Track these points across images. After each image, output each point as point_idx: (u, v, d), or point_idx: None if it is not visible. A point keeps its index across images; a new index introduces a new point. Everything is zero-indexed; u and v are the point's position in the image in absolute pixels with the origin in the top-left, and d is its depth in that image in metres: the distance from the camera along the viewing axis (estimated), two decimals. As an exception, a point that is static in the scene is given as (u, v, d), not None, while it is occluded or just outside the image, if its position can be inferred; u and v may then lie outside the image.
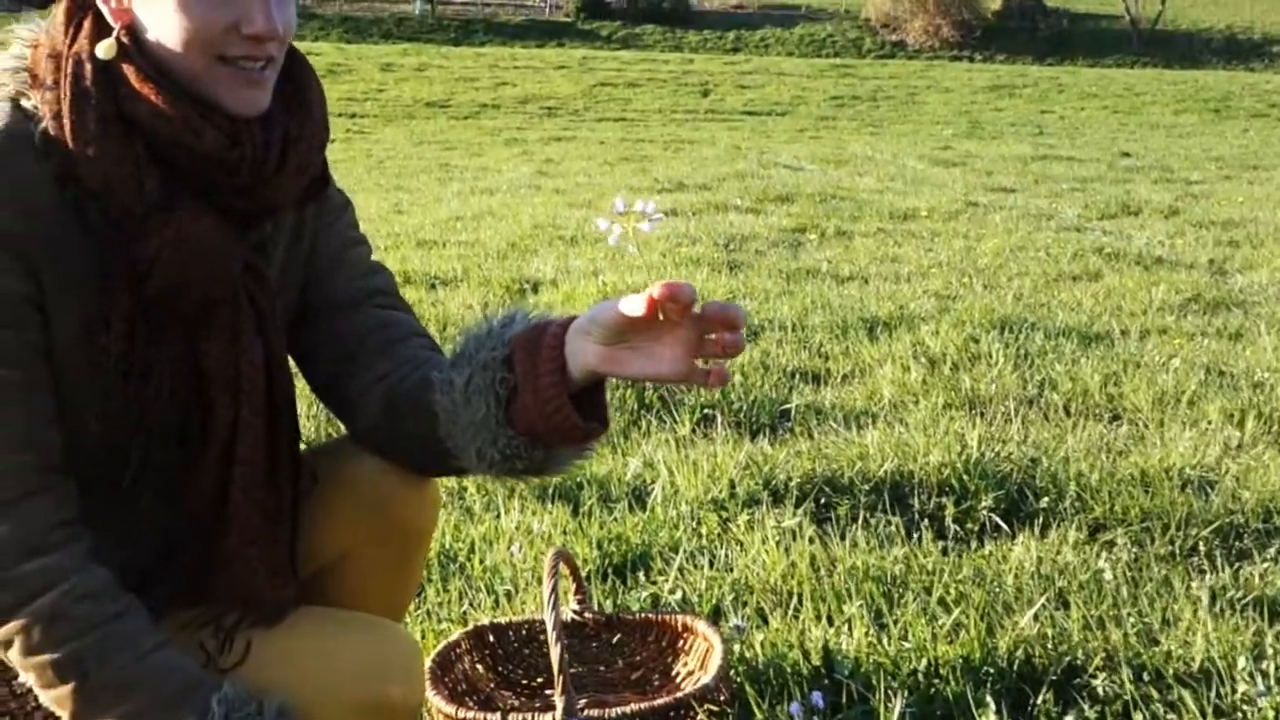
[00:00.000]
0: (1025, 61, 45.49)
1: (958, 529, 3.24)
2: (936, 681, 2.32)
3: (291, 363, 1.92)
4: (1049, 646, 2.46)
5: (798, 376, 5.00)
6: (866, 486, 3.47)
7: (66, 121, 1.62)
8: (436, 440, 1.79)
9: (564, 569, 2.20)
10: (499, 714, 2.11)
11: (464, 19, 51.71)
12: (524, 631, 2.48)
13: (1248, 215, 10.62)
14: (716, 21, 51.96)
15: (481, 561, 3.02)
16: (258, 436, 1.76)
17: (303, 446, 1.93)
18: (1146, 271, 7.70)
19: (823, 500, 3.40)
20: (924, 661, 2.37)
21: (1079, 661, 2.43)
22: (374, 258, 2.02)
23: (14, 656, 1.61)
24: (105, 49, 1.65)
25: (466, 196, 12.85)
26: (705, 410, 4.33)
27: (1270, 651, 2.42)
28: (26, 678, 1.62)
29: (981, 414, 4.39)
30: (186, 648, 1.71)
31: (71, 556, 1.62)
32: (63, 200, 1.62)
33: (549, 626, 1.92)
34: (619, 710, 2.04)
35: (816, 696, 2.09)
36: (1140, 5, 48.45)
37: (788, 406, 4.45)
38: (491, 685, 2.45)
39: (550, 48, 46.34)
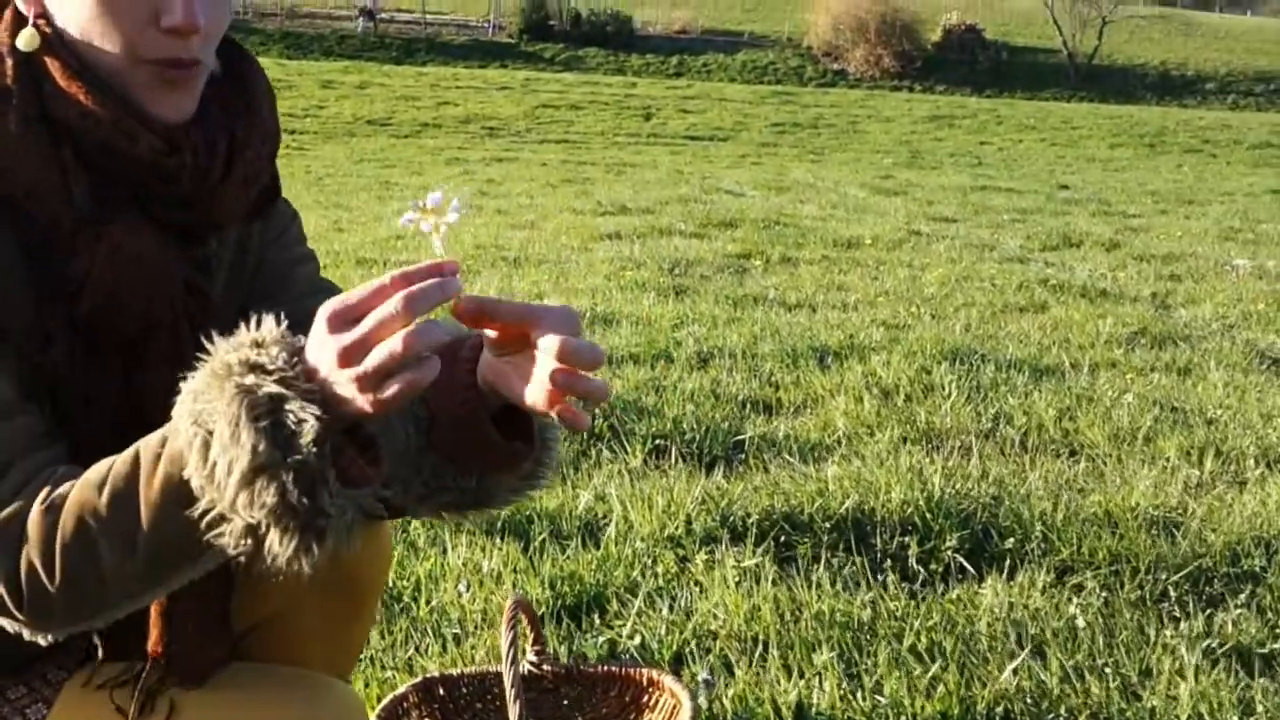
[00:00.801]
0: (964, 93, 45.81)
1: (922, 570, 3.14)
2: (916, 740, 2.20)
3: None
4: (1029, 702, 2.35)
5: (749, 406, 4.89)
6: (828, 524, 3.35)
7: None
8: None
9: (521, 616, 2.05)
10: (450, 773, 1.96)
11: (406, 38, 51.48)
12: (478, 684, 2.31)
13: (1187, 249, 10.65)
14: (660, 46, 52.02)
15: (428, 602, 2.87)
16: None
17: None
18: (1092, 304, 7.67)
19: (783, 539, 3.28)
20: (901, 719, 2.24)
21: (1061, 718, 2.32)
22: (337, 279, 1.84)
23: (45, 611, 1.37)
24: (25, 39, 1.47)
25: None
26: (657, 440, 4.21)
27: (1260, 708, 2.32)
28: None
29: (938, 448, 4.29)
30: (103, 708, 1.54)
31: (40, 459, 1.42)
32: None
33: (508, 684, 1.78)
34: (581, 772, 1.90)
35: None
36: (1077, 40, 48.99)
37: (741, 437, 4.34)
38: (441, 741, 2.30)
39: (493, 68, 46.15)
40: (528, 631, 2.28)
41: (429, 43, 50.97)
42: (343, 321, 1.28)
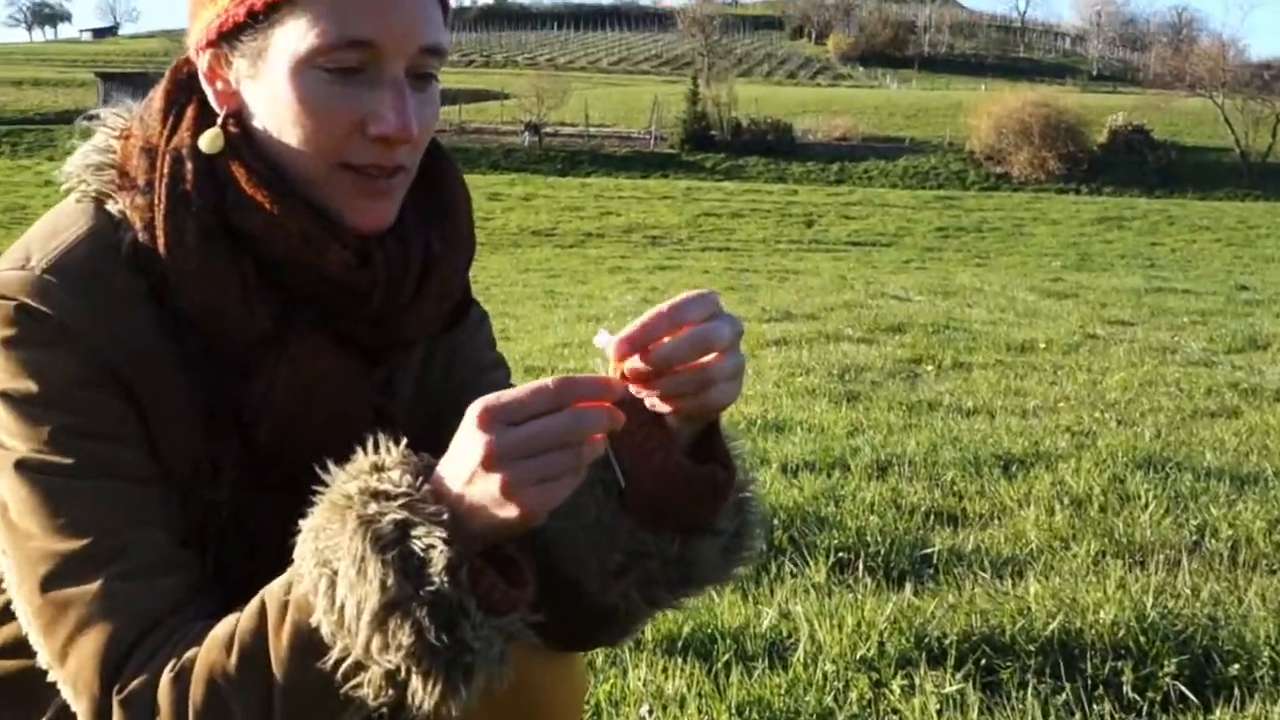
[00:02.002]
0: (1133, 194, 45.10)
1: (1139, 698, 2.89)
2: None
3: None
4: None
5: (933, 517, 4.68)
6: (1032, 647, 3.12)
7: (160, 233, 1.33)
8: (565, 585, 1.43)
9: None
10: None
11: (570, 150, 52.47)
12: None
13: (1383, 352, 10.16)
14: (820, 153, 52.24)
15: (609, 728, 2.72)
16: None
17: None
18: (1288, 409, 7.29)
19: (984, 662, 3.06)
20: None
21: None
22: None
23: None
24: (209, 140, 1.36)
25: (572, 323, 12.69)
26: (840, 553, 4.02)
27: None
28: None
29: (1141, 563, 4.03)
30: None
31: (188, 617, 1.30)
32: (161, 321, 1.34)
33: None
34: None
35: None
36: (1251, 138, 47.96)
37: (928, 550, 4.13)
38: None
39: (655, 178, 46.74)
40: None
41: (592, 154, 51.88)
42: (495, 420, 1.16)
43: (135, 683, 1.24)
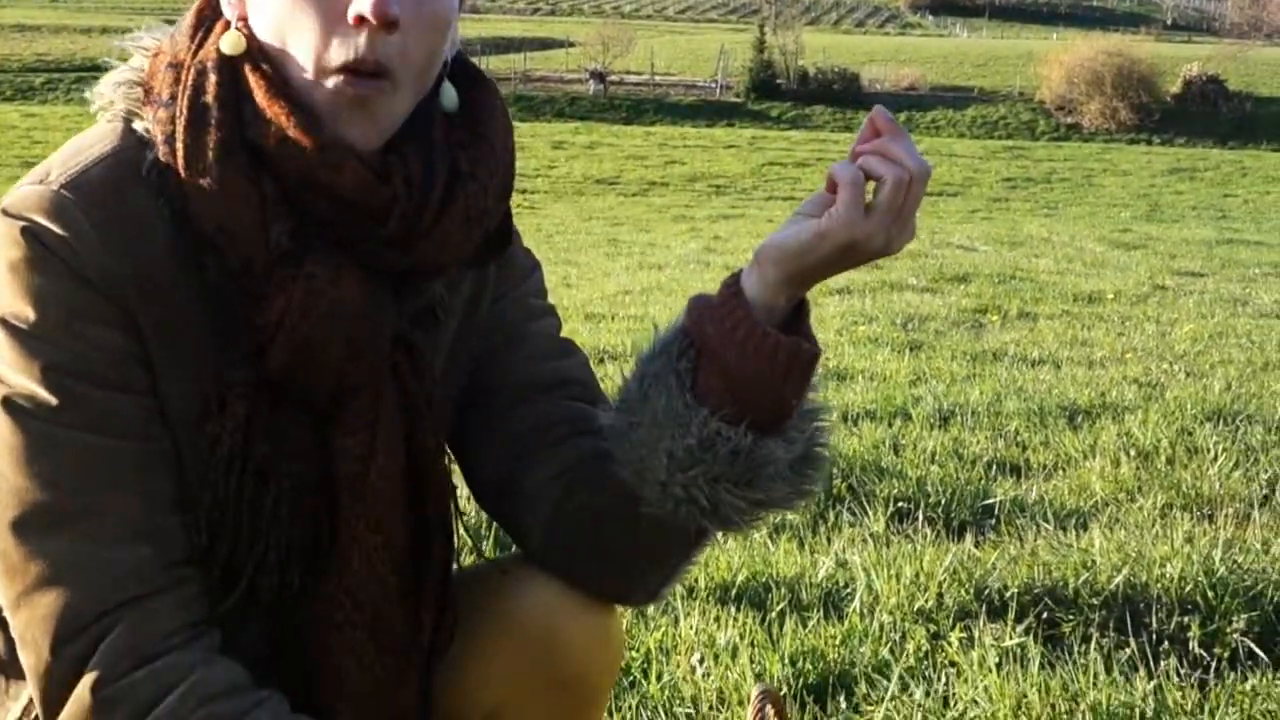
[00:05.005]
0: (1206, 145, 44.34)
1: (1205, 654, 2.80)
2: None
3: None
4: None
5: (995, 467, 4.58)
6: (1095, 600, 3.04)
7: (179, 144, 1.27)
8: (620, 499, 1.40)
9: (769, 709, 1.81)
10: None
11: (636, 99, 52.25)
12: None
13: None
14: (887, 102, 51.51)
15: (659, 678, 2.66)
16: (377, 569, 1.38)
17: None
18: (1364, 363, 7.12)
19: (1045, 615, 2.98)
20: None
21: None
22: (565, 334, 1.62)
23: None
24: (231, 42, 1.30)
25: (634, 271, 12.61)
26: (899, 503, 3.94)
27: None
28: None
29: (1209, 517, 3.93)
30: None
31: (191, 654, 1.27)
32: (178, 246, 1.28)
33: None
34: None
35: None
36: (1328, 88, 47.04)
37: (990, 501, 4.04)
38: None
39: (720, 127, 46.49)
40: (773, 720, 2.05)
41: (657, 103, 51.66)
42: None
43: (98, 674, 1.24)
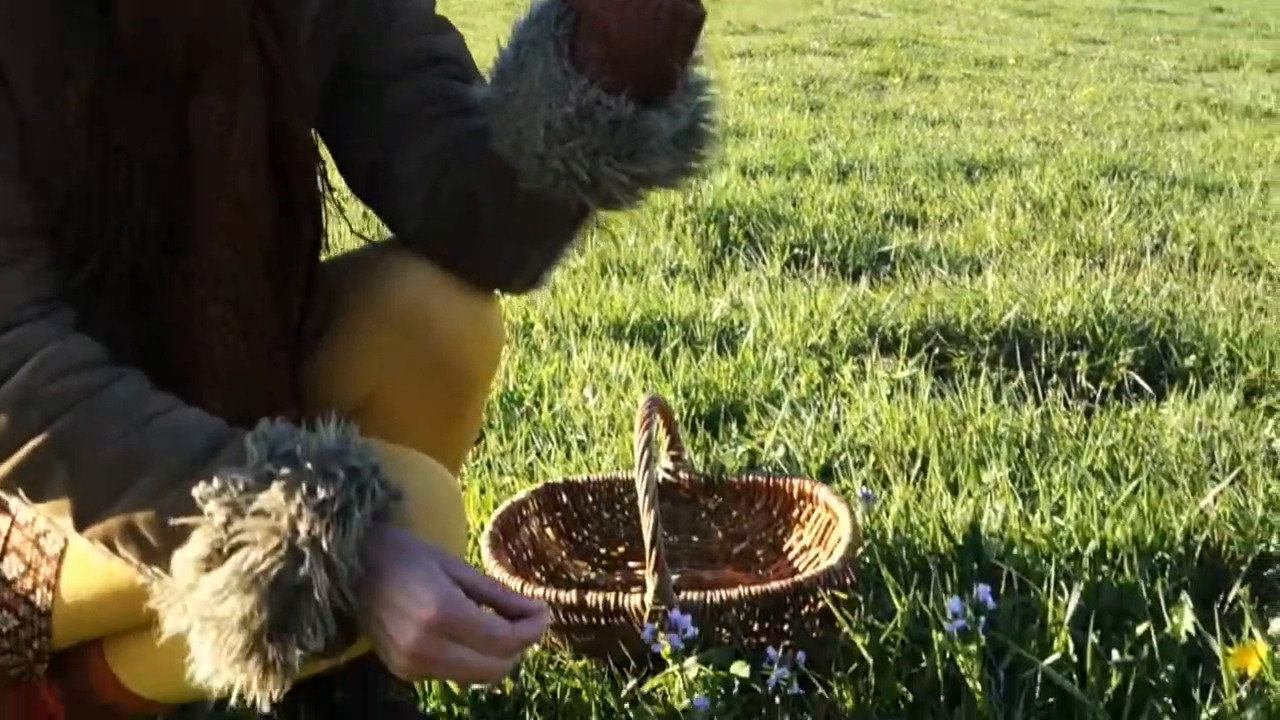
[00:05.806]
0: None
1: (1093, 387, 2.84)
2: (1105, 569, 1.92)
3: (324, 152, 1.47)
4: (1233, 527, 2.07)
5: (892, 219, 4.59)
6: (987, 337, 3.06)
7: None
8: (497, 176, 1.33)
9: (657, 417, 1.79)
10: (573, 591, 1.72)
11: None
12: (605, 491, 2.06)
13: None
14: None
15: (550, 406, 2.64)
16: (238, 247, 1.31)
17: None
18: (1257, 124, 7.17)
19: (937, 350, 3.00)
20: (1090, 546, 1.96)
21: (1273, 549, 2.03)
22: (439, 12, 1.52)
23: None
24: None
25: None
26: (796, 249, 3.93)
27: None
28: (15, 500, 1.21)
29: (1101, 264, 3.96)
30: None
31: (43, 327, 1.20)
32: None
33: (641, 490, 1.54)
34: (724, 594, 1.65)
35: (984, 591, 1.63)
36: None
37: (886, 249, 4.04)
38: (563, 554, 2.06)
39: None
40: (664, 435, 2.04)
41: None
42: (445, 632, 1.14)
43: None
